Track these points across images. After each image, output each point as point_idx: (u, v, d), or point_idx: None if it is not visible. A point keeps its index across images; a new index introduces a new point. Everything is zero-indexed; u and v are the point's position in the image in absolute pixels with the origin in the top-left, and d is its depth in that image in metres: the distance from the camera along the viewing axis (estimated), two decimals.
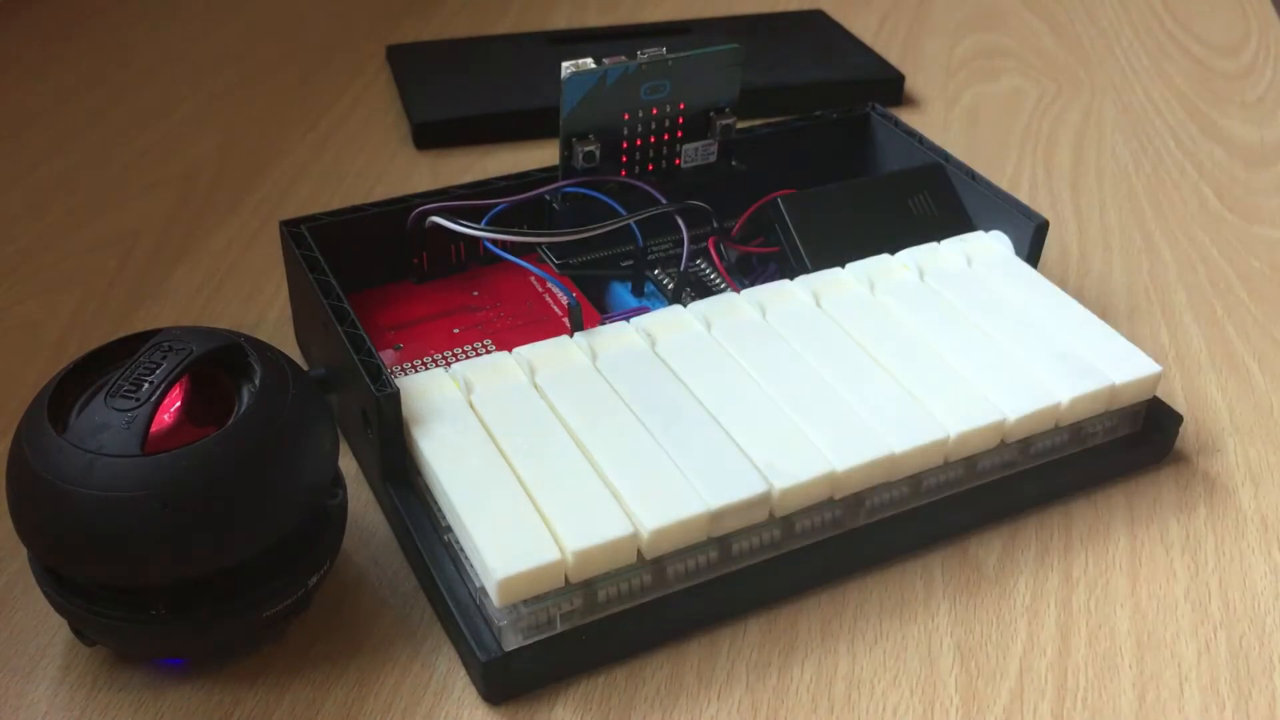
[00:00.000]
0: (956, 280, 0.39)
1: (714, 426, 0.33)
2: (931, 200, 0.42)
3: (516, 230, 0.39)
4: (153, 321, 0.43)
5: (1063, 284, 0.39)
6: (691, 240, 0.40)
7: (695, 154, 0.43)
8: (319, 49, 0.64)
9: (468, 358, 0.37)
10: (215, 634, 0.30)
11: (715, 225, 0.42)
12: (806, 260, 0.40)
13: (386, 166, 0.54)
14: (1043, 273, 0.40)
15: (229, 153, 0.55)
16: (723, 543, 0.32)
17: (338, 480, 0.32)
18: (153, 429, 0.28)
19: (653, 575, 0.31)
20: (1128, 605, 0.34)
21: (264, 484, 0.29)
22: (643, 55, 0.40)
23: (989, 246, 0.41)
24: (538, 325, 0.40)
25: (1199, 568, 0.35)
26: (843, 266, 0.39)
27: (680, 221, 0.40)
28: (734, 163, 0.43)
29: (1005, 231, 0.41)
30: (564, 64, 0.39)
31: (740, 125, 0.43)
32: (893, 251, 0.40)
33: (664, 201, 0.40)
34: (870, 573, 0.34)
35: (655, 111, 0.41)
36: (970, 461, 0.35)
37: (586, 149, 0.40)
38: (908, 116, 0.57)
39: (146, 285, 0.46)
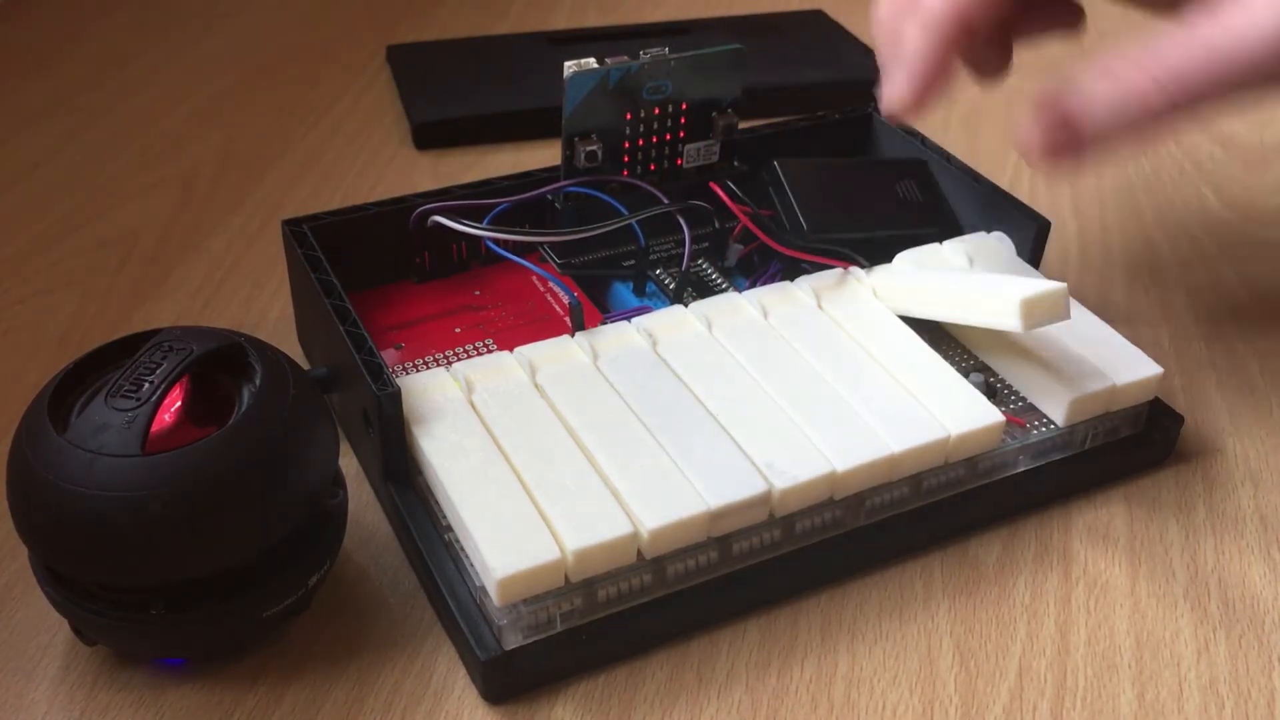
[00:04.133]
0: None
1: (714, 426, 0.33)
2: (917, 189, 0.43)
3: (518, 230, 0.39)
4: (153, 321, 0.43)
5: None
6: (693, 240, 0.40)
7: (697, 154, 0.43)
8: (319, 49, 0.64)
9: (469, 357, 0.37)
10: (215, 634, 0.30)
11: (716, 225, 0.42)
12: (803, 222, 0.40)
13: (386, 166, 0.54)
14: (1043, 273, 0.40)
15: (229, 153, 0.55)
16: (723, 543, 0.32)
17: (338, 480, 0.32)
18: (153, 429, 0.28)
19: (653, 575, 0.31)
20: (1127, 605, 0.34)
21: (264, 484, 0.29)
22: (645, 55, 0.40)
23: (990, 247, 0.41)
24: (539, 325, 0.40)
25: (1199, 568, 0.35)
26: (837, 234, 0.40)
27: (682, 221, 0.40)
28: (735, 163, 0.43)
29: (1007, 232, 0.41)
30: (566, 63, 0.39)
31: (741, 125, 0.43)
32: (883, 229, 0.41)
33: (665, 201, 0.40)
34: (870, 573, 0.34)
35: (657, 111, 0.41)
36: (970, 462, 0.35)
37: (589, 148, 0.40)
38: None
39: (146, 285, 0.46)
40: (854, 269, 0.39)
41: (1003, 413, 0.34)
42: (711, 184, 0.41)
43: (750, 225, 0.40)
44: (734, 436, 0.33)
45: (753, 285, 0.40)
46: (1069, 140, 0.32)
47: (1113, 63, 0.32)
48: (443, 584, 0.31)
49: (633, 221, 0.39)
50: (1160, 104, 0.31)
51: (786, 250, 0.39)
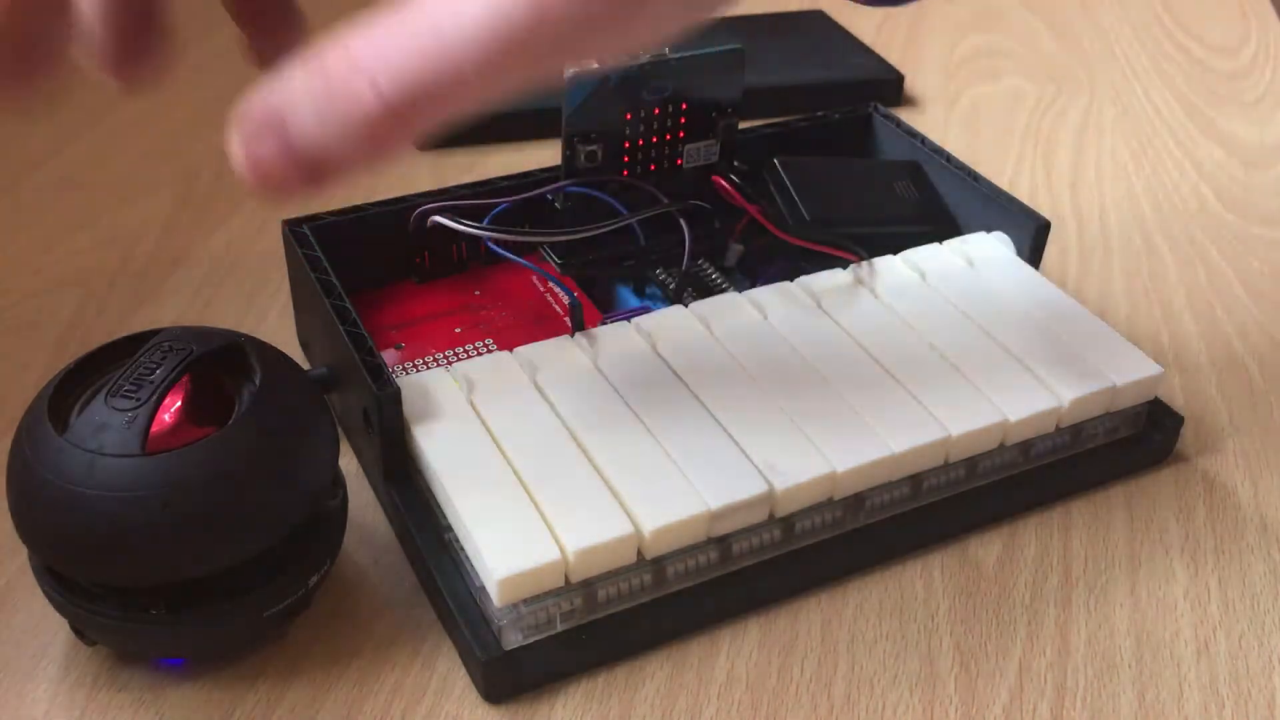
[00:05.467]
0: (958, 281, 0.39)
1: (714, 426, 0.33)
2: (915, 189, 0.44)
3: (519, 230, 0.39)
4: (153, 321, 0.43)
5: (1062, 284, 0.39)
6: (693, 240, 0.40)
7: (697, 154, 0.43)
8: None
9: (469, 357, 0.37)
10: (215, 634, 0.30)
11: (716, 225, 0.42)
12: (806, 215, 0.41)
13: (386, 166, 0.53)
14: (1043, 273, 0.40)
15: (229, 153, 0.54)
16: (723, 543, 0.32)
17: (338, 480, 0.32)
18: (153, 429, 0.28)
19: (653, 575, 0.31)
20: (1127, 605, 0.34)
21: (264, 484, 0.29)
22: (645, 55, 0.40)
23: (991, 247, 0.41)
24: (539, 325, 0.40)
25: (1198, 568, 0.35)
26: (838, 230, 0.40)
27: (682, 221, 0.40)
28: (735, 163, 0.43)
29: (1007, 232, 0.41)
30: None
31: (741, 125, 0.43)
32: (883, 226, 0.41)
33: (665, 201, 0.40)
34: (870, 573, 0.34)
35: (657, 111, 0.41)
36: (970, 463, 0.35)
37: (589, 149, 0.40)
38: (908, 116, 0.57)
39: (146, 285, 0.46)
40: (854, 266, 0.39)
41: (1003, 412, 0.34)
42: (715, 177, 0.41)
43: (756, 215, 0.40)
44: (734, 436, 0.33)
45: (753, 285, 0.40)
46: (283, 158, 0.23)
47: (328, 54, 0.22)
48: (443, 584, 0.31)
49: (633, 221, 0.39)
50: (381, 116, 0.22)
51: (793, 239, 0.39)
